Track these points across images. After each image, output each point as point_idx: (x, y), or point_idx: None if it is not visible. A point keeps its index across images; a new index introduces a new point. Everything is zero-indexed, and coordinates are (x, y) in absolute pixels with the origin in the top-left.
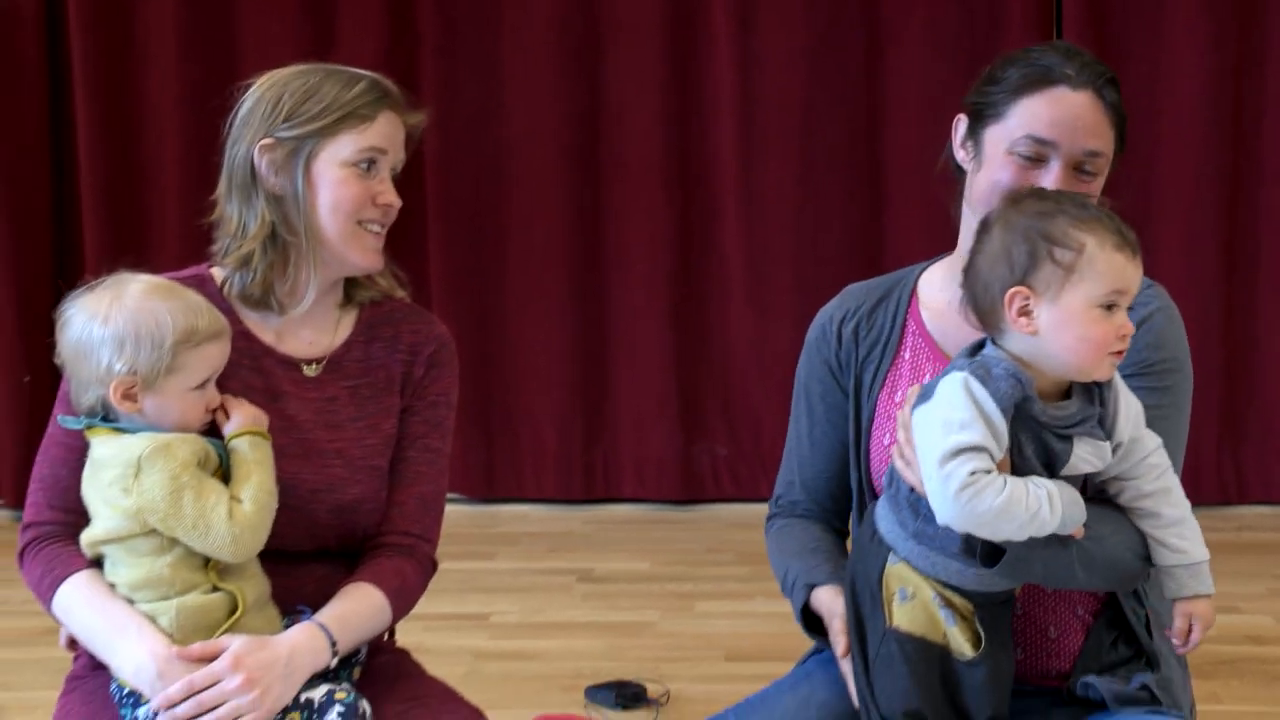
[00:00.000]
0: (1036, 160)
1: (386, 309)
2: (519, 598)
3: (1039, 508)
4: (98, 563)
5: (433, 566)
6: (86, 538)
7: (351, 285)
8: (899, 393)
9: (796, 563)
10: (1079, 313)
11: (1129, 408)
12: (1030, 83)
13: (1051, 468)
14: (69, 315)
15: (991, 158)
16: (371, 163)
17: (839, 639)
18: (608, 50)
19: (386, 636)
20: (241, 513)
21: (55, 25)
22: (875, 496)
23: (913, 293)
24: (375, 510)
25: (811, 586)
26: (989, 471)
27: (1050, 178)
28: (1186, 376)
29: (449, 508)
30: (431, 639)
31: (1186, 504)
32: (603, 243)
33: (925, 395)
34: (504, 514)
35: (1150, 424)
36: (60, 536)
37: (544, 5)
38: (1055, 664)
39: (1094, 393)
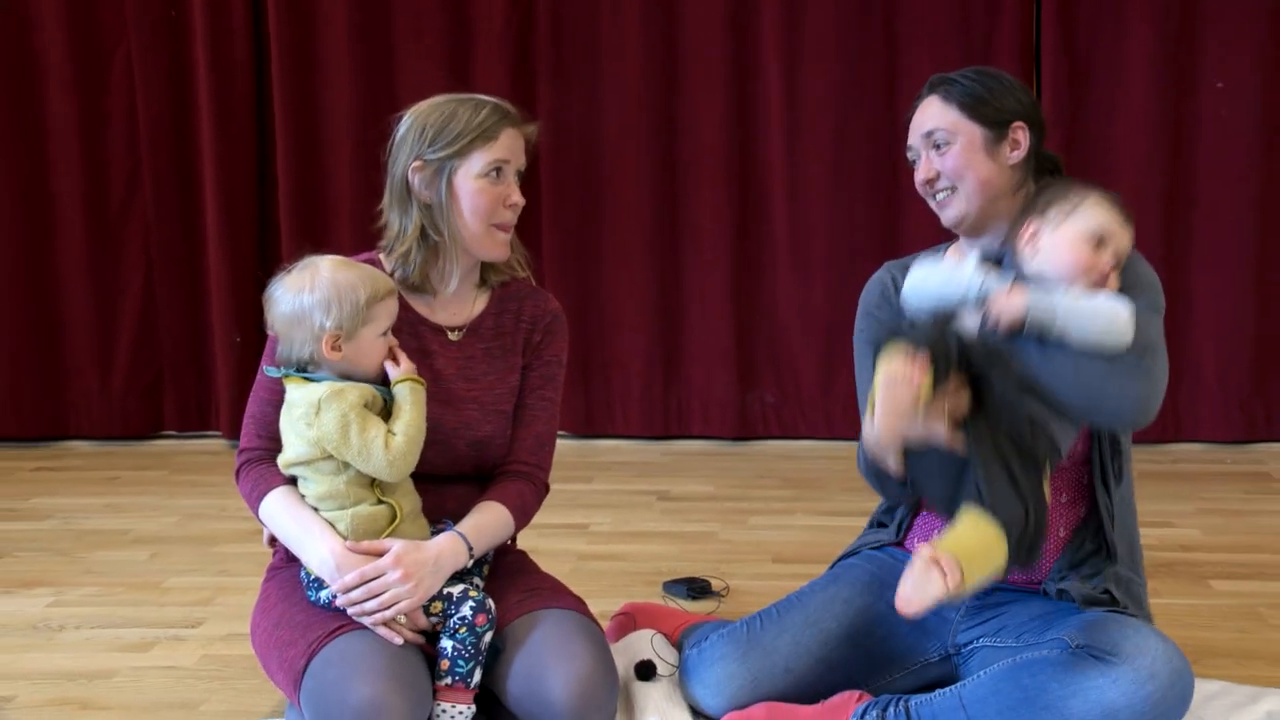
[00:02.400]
0: (915, 162)
1: (513, 288)
2: (611, 512)
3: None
4: (292, 480)
5: (546, 489)
6: (282, 461)
7: (486, 269)
8: None
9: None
10: (1069, 239)
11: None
12: (907, 120)
13: None
14: (277, 295)
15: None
16: (499, 171)
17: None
18: (683, 77)
19: (510, 541)
20: (395, 443)
21: (261, 68)
22: None
23: None
24: (502, 445)
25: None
26: None
27: (922, 162)
28: (1162, 300)
29: (559, 442)
30: (545, 543)
31: (1097, 312)
32: (678, 227)
33: None
34: (599, 446)
35: (1144, 316)
36: (265, 459)
37: (634, 45)
38: (1037, 575)
39: None
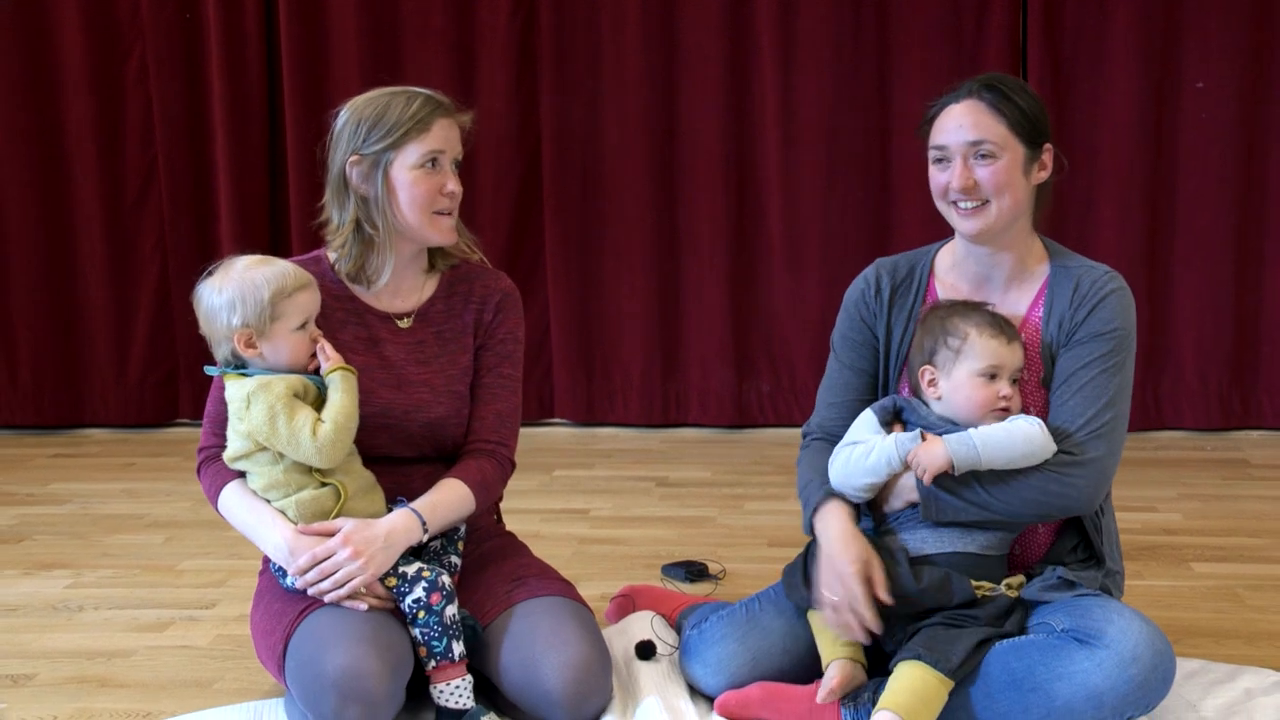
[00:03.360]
0: (943, 161)
1: (464, 270)
2: (612, 497)
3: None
4: (242, 474)
5: (511, 465)
6: (225, 456)
7: (433, 255)
8: None
9: (815, 480)
10: (964, 381)
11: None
12: (935, 112)
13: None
14: (198, 295)
15: (929, 167)
16: (434, 161)
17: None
18: (681, 80)
19: (496, 520)
20: (323, 430)
21: (273, 68)
22: None
23: (930, 271)
24: (459, 425)
25: (816, 508)
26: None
27: (954, 169)
28: (1131, 344)
29: (561, 430)
30: (547, 528)
31: (1011, 434)
32: (677, 225)
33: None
34: (600, 434)
35: (1103, 376)
36: (219, 457)
37: (634, 49)
38: (1020, 568)
39: None
